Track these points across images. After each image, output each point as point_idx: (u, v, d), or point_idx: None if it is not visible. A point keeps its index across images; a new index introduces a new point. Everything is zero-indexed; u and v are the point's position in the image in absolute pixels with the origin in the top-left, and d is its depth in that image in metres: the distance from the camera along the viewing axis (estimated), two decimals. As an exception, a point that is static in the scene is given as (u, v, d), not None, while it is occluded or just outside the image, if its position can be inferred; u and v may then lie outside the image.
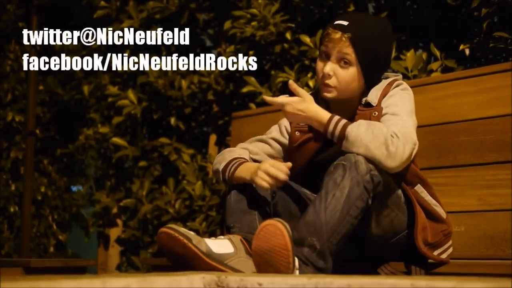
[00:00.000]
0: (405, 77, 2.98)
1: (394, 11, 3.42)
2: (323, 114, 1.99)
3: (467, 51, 3.08)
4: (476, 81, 2.55)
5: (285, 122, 2.24)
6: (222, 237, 1.93)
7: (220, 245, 1.86)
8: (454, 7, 3.07)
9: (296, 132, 2.17)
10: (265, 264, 1.77)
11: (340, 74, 2.05)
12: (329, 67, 2.05)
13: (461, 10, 3.15)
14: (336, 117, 1.97)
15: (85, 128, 4.42)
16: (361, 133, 1.90)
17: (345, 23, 2.04)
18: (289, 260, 1.73)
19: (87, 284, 1.25)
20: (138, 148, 4.16)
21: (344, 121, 1.96)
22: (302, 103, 2.00)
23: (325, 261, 1.82)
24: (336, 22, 2.06)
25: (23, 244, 4.04)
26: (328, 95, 2.08)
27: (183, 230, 1.84)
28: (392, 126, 1.94)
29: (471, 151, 2.50)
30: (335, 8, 3.41)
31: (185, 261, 1.83)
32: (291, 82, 2.03)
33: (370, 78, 2.09)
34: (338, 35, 2.03)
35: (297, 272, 1.77)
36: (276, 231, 1.74)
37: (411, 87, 2.59)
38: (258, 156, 2.18)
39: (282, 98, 2.06)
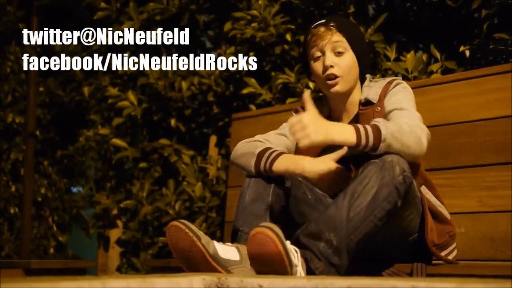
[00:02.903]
0: (405, 78, 2.98)
1: (394, 12, 3.42)
2: (347, 129, 1.89)
3: (467, 53, 3.07)
4: (477, 83, 2.55)
5: None
6: (230, 244, 1.92)
7: (227, 251, 1.85)
8: (454, 8, 3.07)
9: None
10: (263, 267, 1.77)
11: (340, 62, 2.11)
12: (328, 60, 2.10)
13: (461, 12, 3.15)
14: (360, 126, 1.90)
15: (85, 130, 4.42)
16: (394, 131, 1.88)
17: (323, 20, 2.14)
18: (285, 264, 1.71)
19: (87, 285, 1.24)
20: (138, 149, 4.16)
21: (368, 127, 1.90)
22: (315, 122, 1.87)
23: (340, 258, 1.80)
24: (315, 25, 2.14)
25: (23, 246, 4.04)
26: (337, 87, 2.12)
27: (194, 227, 1.84)
28: (405, 118, 1.98)
29: (471, 152, 2.50)
30: (335, 10, 3.41)
31: (190, 257, 1.82)
32: (306, 95, 1.92)
33: (364, 63, 2.16)
34: (322, 29, 2.11)
35: (298, 269, 1.76)
36: (266, 238, 1.72)
37: (411, 88, 2.59)
38: (279, 149, 2.16)
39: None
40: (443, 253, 2.10)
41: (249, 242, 1.77)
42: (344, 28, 2.11)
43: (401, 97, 2.09)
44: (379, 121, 1.92)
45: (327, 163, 1.95)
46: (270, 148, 2.05)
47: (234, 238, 2.01)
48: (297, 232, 1.86)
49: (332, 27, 2.09)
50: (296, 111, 2.27)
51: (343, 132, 1.88)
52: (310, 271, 1.79)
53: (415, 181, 2.07)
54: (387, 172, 1.84)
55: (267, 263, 1.74)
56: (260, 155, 2.02)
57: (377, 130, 1.87)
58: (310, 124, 1.85)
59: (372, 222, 1.84)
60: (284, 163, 1.97)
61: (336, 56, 2.11)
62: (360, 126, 1.89)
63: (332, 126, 1.89)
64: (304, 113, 1.88)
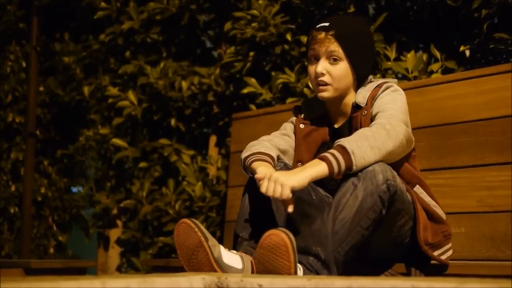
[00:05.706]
0: (406, 78, 2.99)
1: (394, 12, 3.42)
2: (314, 163, 1.88)
3: (467, 52, 3.07)
4: (477, 82, 2.55)
5: (293, 119, 2.30)
6: (235, 252, 1.94)
7: (231, 258, 1.88)
8: (454, 8, 3.07)
9: (301, 124, 2.22)
10: (267, 273, 1.78)
11: (332, 71, 2.11)
12: (321, 66, 2.11)
13: (461, 11, 3.15)
14: (326, 154, 1.88)
15: (86, 129, 4.42)
16: (359, 143, 1.87)
17: (326, 24, 2.12)
18: (291, 272, 1.74)
19: (87, 285, 1.24)
20: (138, 149, 4.15)
21: (335, 151, 1.88)
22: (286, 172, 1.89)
23: (329, 271, 1.83)
24: (318, 26, 2.14)
25: (23, 245, 4.04)
26: (325, 94, 2.13)
27: (203, 228, 1.87)
28: (379, 119, 1.99)
29: (471, 152, 2.50)
30: (335, 9, 3.41)
31: (194, 257, 1.85)
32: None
33: (360, 71, 2.15)
34: (322, 35, 2.10)
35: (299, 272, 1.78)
36: (280, 241, 1.75)
37: (411, 88, 2.60)
38: (284, 154, 2.20)
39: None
40: (436, 253, 2.09)
41: (261, 243, 1.79)
42: (343, 37, 2.09)
43: (388, 100, 2.07)
44: (342, 141, 1.89)
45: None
46: (257, 153, 2.07)
47: (235, 243, 2.04)
48: None
49: (331, 36, 2.09)
50: (296, 109, 2.30)
51: (314, 167, 1.85)
52: None
53: (408, 184, 2.06)
54: (370, 182, 1.85)
55: (274, 265, 1.76)
56: (245, 158, 2.07)
57: (343, 149, 1.86)
58: (279, 175, 1.85)
59: (359, 233, 1.86)
60: (255, 165, 2.00)
61: (330, 64, 2.11)
62: (326, 154, 1.87)
63: (301, 168, 1.89)
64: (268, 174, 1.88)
